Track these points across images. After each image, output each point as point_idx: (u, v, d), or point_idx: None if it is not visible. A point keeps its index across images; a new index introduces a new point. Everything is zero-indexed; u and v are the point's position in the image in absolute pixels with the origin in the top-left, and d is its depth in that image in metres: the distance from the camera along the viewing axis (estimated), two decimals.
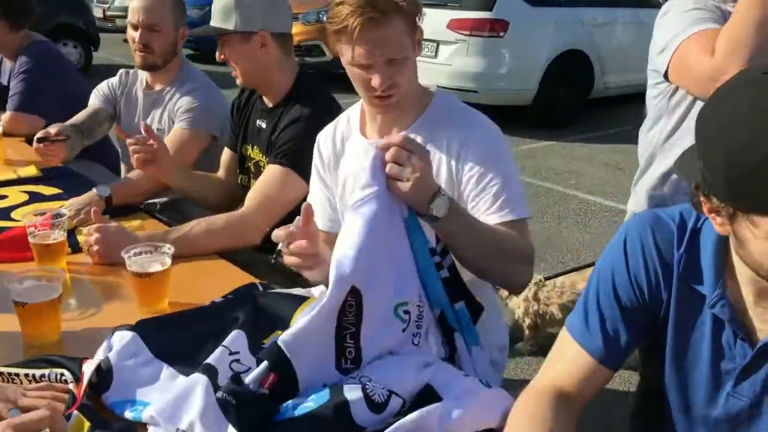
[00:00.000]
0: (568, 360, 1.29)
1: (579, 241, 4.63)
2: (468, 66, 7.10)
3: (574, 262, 4.27)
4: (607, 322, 1.28)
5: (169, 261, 1.66)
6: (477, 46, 7.10)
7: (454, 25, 7.12)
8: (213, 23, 2.18)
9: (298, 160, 2.04)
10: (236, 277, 1.83)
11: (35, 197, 2.38)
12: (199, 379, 1.26)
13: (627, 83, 7.91)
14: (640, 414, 2.09)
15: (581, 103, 7.76)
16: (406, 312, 1.37)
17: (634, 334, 1.28)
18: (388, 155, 1.38)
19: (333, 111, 2.09)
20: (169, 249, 1.68)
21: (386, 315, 1.34)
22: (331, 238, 1.89)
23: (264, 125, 2.27)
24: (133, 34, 2.58)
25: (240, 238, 2.05)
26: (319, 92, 2.22)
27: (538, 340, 3.22)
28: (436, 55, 7.24)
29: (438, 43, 7.20)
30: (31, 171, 2.60)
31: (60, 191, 2.40)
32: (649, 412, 1.97)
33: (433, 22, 6.67)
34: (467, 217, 1.51)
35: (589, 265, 3.67)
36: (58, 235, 1.86)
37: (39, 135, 2.54)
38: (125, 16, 2.72)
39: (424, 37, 1.67)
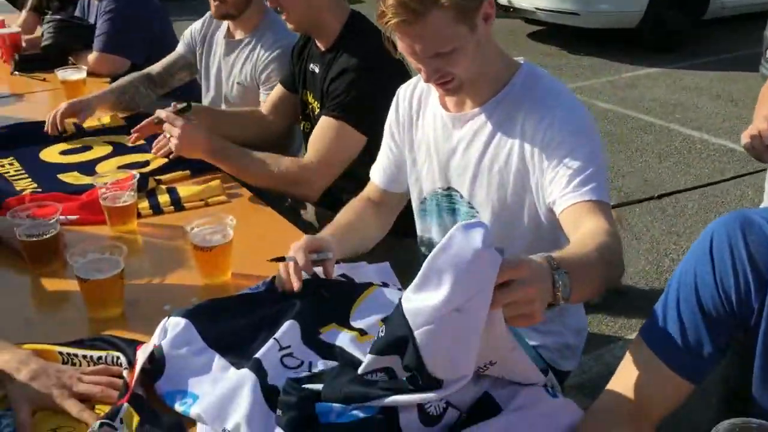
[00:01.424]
0: (642, 372, 1.18)
1: (680, 185, 4.35)
2: None
3: (672, 208, 4.04)
4: (689, 331, 1.16)
5: (231, 233, 1.63)
6: None
7: None
8: None
9: (351, 112, 2.01)
10: None
11: (119, 149, 2.39)
12: (247, 377, 1.24)
13: (746, 2, 7.28)
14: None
15: (693, 26, 7.20)
16: None
17: (719, 343, 1.16)
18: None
19: (383, 58, 2.00)
20: (231, 221, 1.64)
21: None
22: (386, 197, 1.82)
23: (317, 69, 2.22)
24: None
25: (296, 187, 2.07)
26: (369, 36, 2.10)
27: None
28: None
29: None
30: (115, 120, 2.61)
31: (142, 142, 2.38)
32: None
33: None
34: (581, 268, 1.22)
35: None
36: (128, 198, 1.86)
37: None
38: None
39: None
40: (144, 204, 1.98)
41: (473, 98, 1.58)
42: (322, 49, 2.19)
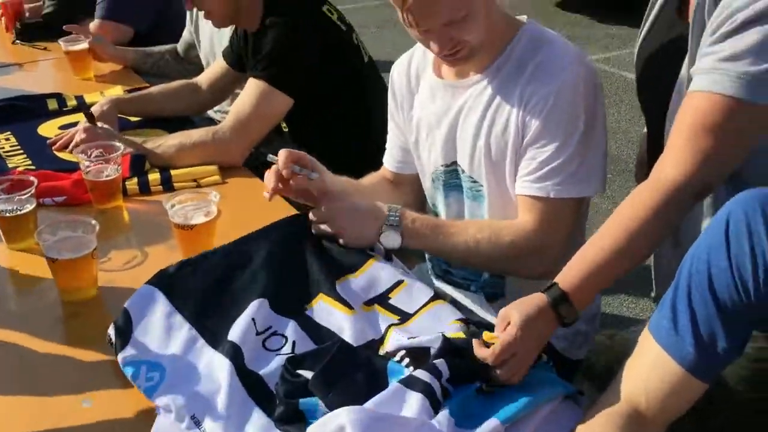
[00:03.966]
0: (648, 370, 1.06)
1: None
2: None
3: None
4: (701, 324, 1.03)
5: (215, 210, 1.53)
6: None
7: None
8: None
9: (275, 71, 1.94)
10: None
11: (122, 123, 2.28)
12: (223, 363, 1.17)
13: None
14: None
15: None
16: None
17: (735, 338, 1.03)
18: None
19: (310, 14, 1.98)
20: (215, 197, 1.55)
21: None
22: (399, 178, 1.71)
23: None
24: None
25: (214, 157, 1.96)
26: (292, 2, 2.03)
27: None
28: None
29: None
30: (117, 92, 2.51)
31: (140, 119, 2.32)
32: None
33: None
34: (429, 234, 1.45)
35: None
36: (112, 171, 1.76)
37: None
38: None
39: None
40: (132, 182, 1.87)
41: (476, 63, 1.46)
42: (253, 31, 2.07)
